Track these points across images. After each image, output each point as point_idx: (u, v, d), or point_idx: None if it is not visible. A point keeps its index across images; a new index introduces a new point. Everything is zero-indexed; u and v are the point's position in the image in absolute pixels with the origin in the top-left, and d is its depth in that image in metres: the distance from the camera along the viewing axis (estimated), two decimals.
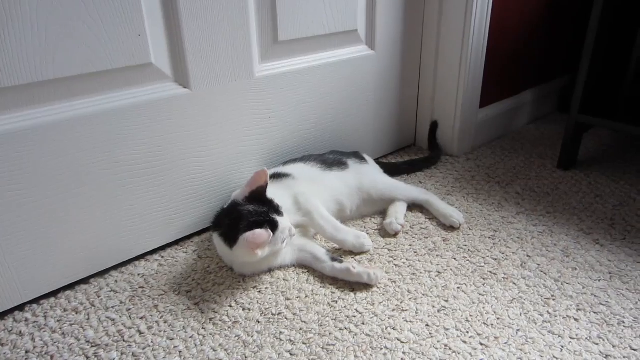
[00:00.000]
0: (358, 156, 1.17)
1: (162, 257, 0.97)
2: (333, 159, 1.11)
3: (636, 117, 1.26)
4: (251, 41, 1.01)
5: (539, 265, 0.94)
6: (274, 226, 0.83)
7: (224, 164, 1.04)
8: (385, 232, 1.04)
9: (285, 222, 0.86)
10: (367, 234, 1.02)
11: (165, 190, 0.96)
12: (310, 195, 0.98)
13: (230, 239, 0.83)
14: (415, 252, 0.97)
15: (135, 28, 0.84)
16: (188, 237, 1.03)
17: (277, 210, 0.86)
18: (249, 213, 0.83)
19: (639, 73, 1.55)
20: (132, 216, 0.93)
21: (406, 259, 0.94)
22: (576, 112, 1.27)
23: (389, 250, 0.97)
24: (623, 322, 0.80)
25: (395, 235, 1.03)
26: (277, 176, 1.01)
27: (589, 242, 1.01)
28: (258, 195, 0.87)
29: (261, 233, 0.78)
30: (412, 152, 1.47)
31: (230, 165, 1.05)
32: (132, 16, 0.83)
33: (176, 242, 1.02)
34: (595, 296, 0.85)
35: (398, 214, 1.07)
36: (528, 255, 0.96)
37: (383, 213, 1.10)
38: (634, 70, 1.52)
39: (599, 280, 0.90)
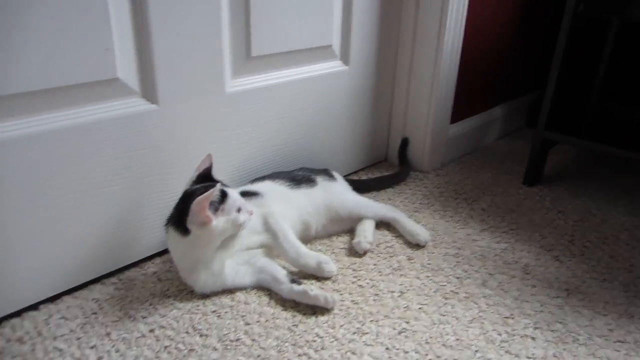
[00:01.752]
0: (327, 173, 1.18)
1: (120, 279, 0.95)
2: (302, 176, 1.12)
3: (600, 134, 1.30)
4: (223, 56, 1.01)
5: (499, 283, 0.96)
6: (224, 194, 0.84)
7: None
8: (352, 251, 1.05)
9: (236, 194, 0.87)
10: (334, 253, 1.04)
11: (128, 210, 0.95)
12: (279, 216, 0.98)
13: (182, 223, 0.82)
14: (379, 272, 0.98)
15: (103, 42, 0.83)
16: (149, 258, 1.02)
17: (225, 185, 0.88)
18: (196, 189, 0.84)
19: (603, 91, 1.59)
20: (89, 237, 0.91)
21: (370, 279, 0.96)
22: (542, 129, 1.30)
23: (353, 270, 0.99)
24: (577, 339, 0.82)
25: (363, 254, 1.04)
26: (245, 194, 1.02)
27: (548, 258, 1.04)
28: (205, 177, 0.89)
29: (208, 192, 0.79)
30: (384, 167, 1.49)
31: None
32: (99, 29, 0.82)
33: (136, 264, 1.00)
34: (552, 314, 0.88)
35: (366, 232, 1.08)
36: (490, 274, 0.99)
37: (351, 231, 1.12)
38: (598, 88, 1.57)
39: (557, 297, 0.92)
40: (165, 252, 1.03)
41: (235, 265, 0.91)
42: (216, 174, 0.97)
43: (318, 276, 0.96)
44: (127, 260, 0.99)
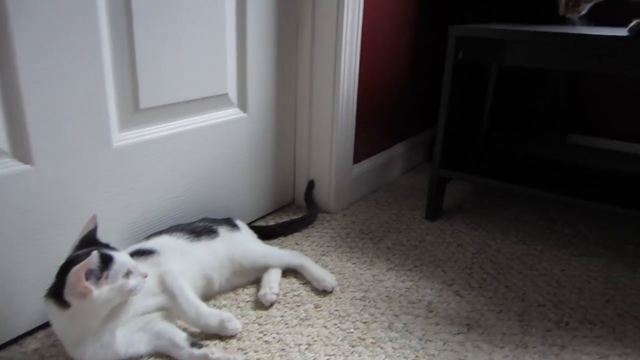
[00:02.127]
0: (230, 223, 1.15)
1: None
2: (202, 228, 1.08)
3: (489, 170, 1.38)
4: (108, 110, 0.96)
5: (405, 324, 0.97)
6: (107, 259, 0.77)
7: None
8: (258, 304, 1.02)
9: (124, 257, 0.80)
10: (239, 307, 1.00)
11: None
12: (177, 274, 0.93)
13: (60, 295, 0.75)
14: (286, 324, 0.96)
15: None
16: (30, 333, 0.91)
17: (112, 248, 0.81)
18: (76, 257, 0.77)
19: (490, 129, 1.72)
20: None
21: (276, 333, 0.93)
22: (437, 167, 1.37)
23: (259, 324, 0.95)
24: None
25: (270, 306, 1.01)
26: (139, 254, 0.95)
27: (450, 294, 1.08)
28: (89, 240, 0.81)
29: (85, 261, 0.72)
30: (291, 210, 1.49)
31: None
32: None
33: (14, 341, 0.89)
34: (454, 351, 0.90)
35: (272, 283, 1.05)
36: (395, 315, 1.00)
37: (257, 282, 1.08)
38: (486, 126, 1.69)
39: (458, 334, 0.95)
40: (48, 324, 0.93)
41: (129, 333, 0.84)
42: (107, 233, 0.90)
43: (222, 335, 0.91)
44: (3, 339, 0.88)
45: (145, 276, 0.83)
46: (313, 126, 1.42)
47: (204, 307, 0.91)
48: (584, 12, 1.05)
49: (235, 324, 0.91)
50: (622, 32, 1.10)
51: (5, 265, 0.85)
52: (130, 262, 0.82)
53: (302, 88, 1.41)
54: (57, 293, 0.76)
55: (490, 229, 1.39)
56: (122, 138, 1.01)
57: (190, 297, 0.91)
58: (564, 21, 1.09)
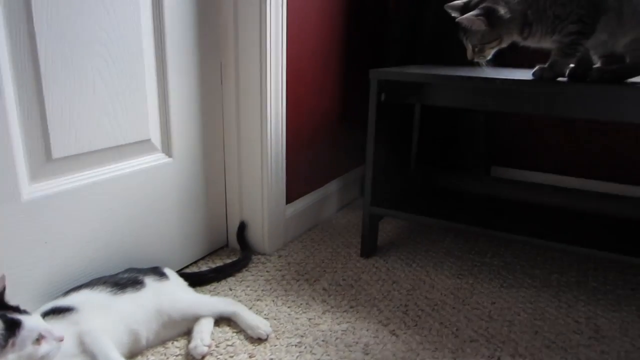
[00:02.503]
0: (157, 272, 1.09)
1: None
2: (127, 279, 1.02)
3: (419, 206, 1.42)
4: (15, 162, 0.90)
5: None
6: (13, 325, 0.70)
7: None
8: (189, 357, 0.96)
9: (35, 321, 0.74)
10: None
11: None
12: (98, 332, 0.86)
13: None
14: None
15: None
16: None
17: (21, 311, 0.75)
18: None
19: (418, 164, 1.77)
20: None
21: None
22: (368, 205, 1.38)
23: None
24: None
25: (202, 359, 0.96)
26: (55, 312, 0.88)
27: (386, 334, 1.07)
28: None
29: None
30: (225, 254, 1.44)
31: None
32: None
33: None
34: None
35: (203, 334, 1.00)
36: None
37: (188, 333, 1.03)
38: (414, 162, 1.74)
39: None
40: None
41: None
42: (18, 292, 0.83)
43: None
44: None
45: (61, 340, 0.77)
46: (242, 167, 1.40)
47: None
48: (489, 57, 1.13)
49: None
50: (527, 74, 1.19)
51: None
52: (42, 326, 0.75)
53: (229, 130, 1.39)
54: None
55: (424, 264, 1.41)
56: (34, 190, 0.95)
57: (113, 356, 0.84)
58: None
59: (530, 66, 1.17)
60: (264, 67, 1.30)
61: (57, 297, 0.95)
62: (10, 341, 0.69)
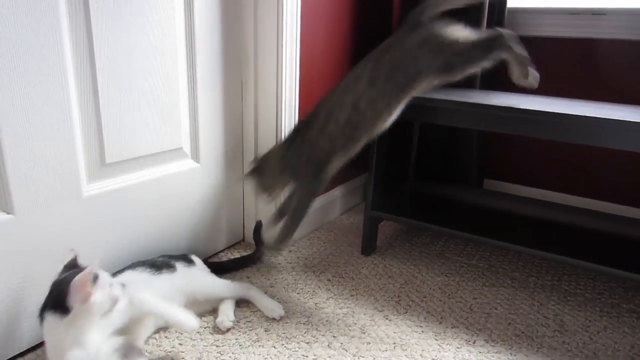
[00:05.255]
0: (186, 259, 1.28)
1: None
2: (162, 263, 1.21)
3: (415, 212, 1.60)
4: (78, 166, 1.10)
5: (341, 344, 1.14)
6: (95, 274, 0.91)
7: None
8: (216, 329, 1.16)
9: (106, 275, 0.94)
10: (198, 332, 1.14)
11: None
12: (145, 295, 1.06)
13: (60, 303, 0.88)
14: (240, 345, 1.10)
15: None
16: None
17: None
18: (67, 275, 0.91)
19: (416, 176, 1.96)
20: None
21: (232, 353, 1.07)
22: (369, 209, 1.57)
23: (216, 346, 1.09)
24: None
25: (227, 331, 1.15)
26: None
27: (380, 318, 1.26)
28: (72, 265, 0.96)
29: (87, 269, 0.87)
30: (242, 247, 1.63)
31: None
32: None
33: None
34: None
35: (228, 312, 1.20)
36: (334, 336, 1.16)
37: (214, 311, 1.22)
38: (412, 173, 1.93)
39: (386, 351, 1.12)
40: (21, 355, 1.03)
41: (110, 350, 0.96)
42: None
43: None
44: None
45: (122, 293, 0.97)
46: None
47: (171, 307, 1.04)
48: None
49: (195, 321, 1.04)
50: (525, 99, 1.36)
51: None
52: (110, 278, 0.96)
53: (248, 140, 1.59)
54: (56, 303, 0.89)
55: (417, 263, 1.59)
56: (91, 189, 1.15)
57: (159, 303, 1.04)
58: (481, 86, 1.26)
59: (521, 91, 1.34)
60: (279, 85, 1.50)
61: None
62: (97, 283, 0.90)
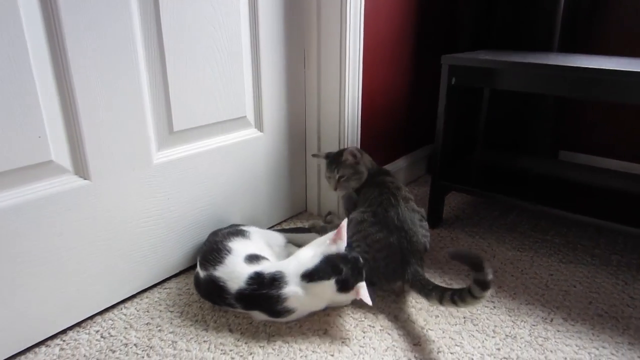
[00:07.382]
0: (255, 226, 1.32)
1: (64, 340, 1.00)
2: (238, 231, 1.24)
3: (485, 182, 1.52)
4: (148, 134, 1.11)
5: (408, 316, 1.10)
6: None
7: (125, 246, 1.11)
8: None
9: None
10: None
11: (65, 278, 1.01)
12: None
13: (348, 285, 1.02)
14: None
15: (35, 130, 0.91)
16: (90, 318, 1.08)
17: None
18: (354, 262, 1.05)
19: (485, 145, 1.86)
20: (29, 304, 0.96)
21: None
22: (437, 179, 1.51)
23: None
24: (472, 359, 0.98)
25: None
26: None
27: None
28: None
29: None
30: (304, 217, 1.62)
31: (131, 244, 1.12)
32: (32, 120, 0.91)
33: (78, 324, 1.06)
34: (452, 339, 1.03)
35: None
36: (400, 308, 1.13)
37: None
38: (481, 142, 1.83)
39: (456, 325, 1.08)
40: (105, 310, 1.07)
41: None
42: (146, 236, 1.05)
43: None
44: (69, 322, 1.03)
45: None
46: (321, 143, 1.57)
47: None
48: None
49: None
50: (607, 62, 1.23)
51: (79, 261, 1.00)
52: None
53: (311, 110, 1.56)
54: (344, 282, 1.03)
55: (487, 237, 1.52)
56: (160, 156, 1.16)
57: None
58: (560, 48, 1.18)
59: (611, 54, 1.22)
60: (343, 54, 1.44)
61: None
62: None
